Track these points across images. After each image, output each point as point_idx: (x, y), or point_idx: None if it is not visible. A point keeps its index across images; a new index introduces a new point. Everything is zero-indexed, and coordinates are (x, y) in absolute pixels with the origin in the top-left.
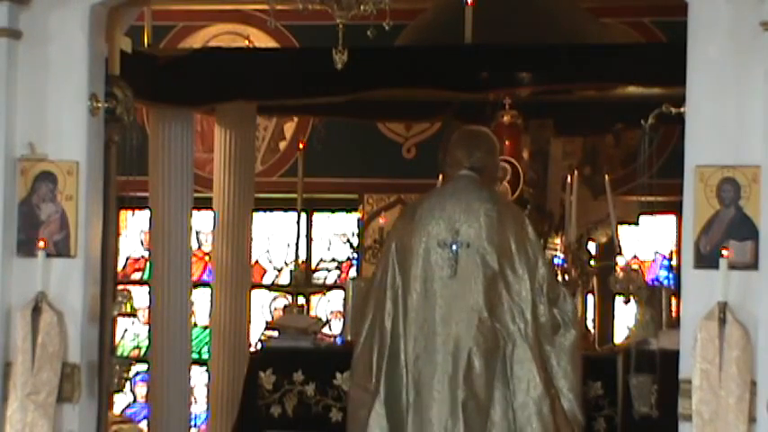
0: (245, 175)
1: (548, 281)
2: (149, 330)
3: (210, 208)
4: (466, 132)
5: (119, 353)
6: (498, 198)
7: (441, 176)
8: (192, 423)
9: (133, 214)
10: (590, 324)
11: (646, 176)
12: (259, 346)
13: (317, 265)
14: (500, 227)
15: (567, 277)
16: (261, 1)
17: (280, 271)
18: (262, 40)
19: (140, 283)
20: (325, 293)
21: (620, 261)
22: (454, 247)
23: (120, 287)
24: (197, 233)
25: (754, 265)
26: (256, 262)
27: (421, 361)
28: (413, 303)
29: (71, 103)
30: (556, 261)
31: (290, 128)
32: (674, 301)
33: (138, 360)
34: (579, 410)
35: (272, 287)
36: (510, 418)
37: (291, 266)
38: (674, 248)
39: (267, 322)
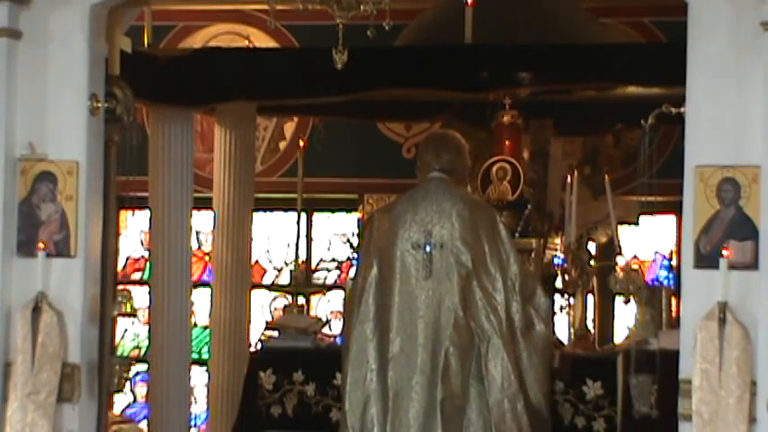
0: (245, 175)
1: (521, 278)
2: (149, 330)
3: (210, 208)
4: (433, 135)
5: (119, 353)
6: (470, 198)
7: None
8: (192, 423)
9: (133, 214)
10: (590, 324)
11: (646, 176)
12: (259, 346)
13: (317, 265)
14: (472, 226)
15: (567, 277)
16: (261, 1)
17: (280, 271)
18: (262, 40)
19: (140, 283)
20: (325, 293)
21: (620, 261)
22: (428, 248)
23: (120, 287)
24: (197, 233)
25: (754, 265)
26: (256, 262)
27: (399, 363)
28: (391, 306)
29: (71, 103)
30: (556, 261)
31: (290, 128)
32: (674, 301)
33: (138, 360)
34: (546, 405)
35: (272, 287)
36: (485, 416)
37: (291, 266)
38: (674, 248)
39: (267, 322)
